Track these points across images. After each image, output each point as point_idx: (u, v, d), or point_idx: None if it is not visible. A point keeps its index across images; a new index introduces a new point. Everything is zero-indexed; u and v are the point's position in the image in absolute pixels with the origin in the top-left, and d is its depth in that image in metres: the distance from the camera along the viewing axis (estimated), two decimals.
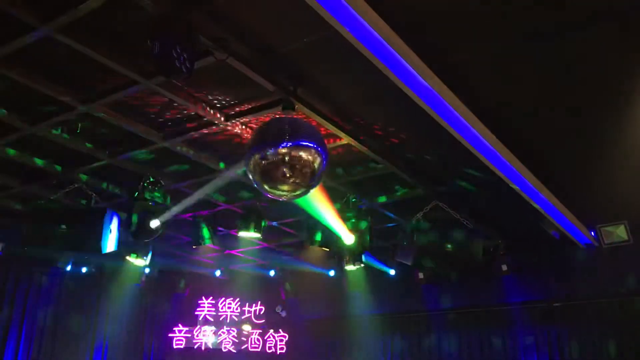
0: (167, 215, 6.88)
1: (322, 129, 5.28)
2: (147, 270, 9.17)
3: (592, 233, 7.74)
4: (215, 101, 5.11)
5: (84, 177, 6.76)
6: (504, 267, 8.25)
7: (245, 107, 5.16)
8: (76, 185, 6.82)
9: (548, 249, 8.39)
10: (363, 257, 7.85)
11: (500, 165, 5.54)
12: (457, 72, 4.29)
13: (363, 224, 7.12)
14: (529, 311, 9.10)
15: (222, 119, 5.27)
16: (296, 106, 4.69)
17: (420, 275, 8.96)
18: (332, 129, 5.28)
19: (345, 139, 5.52)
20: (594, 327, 8.58)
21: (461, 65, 4.27)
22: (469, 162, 5.49)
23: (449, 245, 7.24)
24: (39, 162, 6.32)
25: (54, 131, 5.60)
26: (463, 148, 5.18)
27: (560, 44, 4.04)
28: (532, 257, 8.64)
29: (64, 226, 6.75)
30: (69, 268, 8.57)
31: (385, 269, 9.37)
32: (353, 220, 7.06)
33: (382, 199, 7.31)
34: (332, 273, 10.14)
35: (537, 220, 7.12)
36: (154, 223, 6.80)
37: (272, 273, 10.75)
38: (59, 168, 6.49)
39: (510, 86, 4.66)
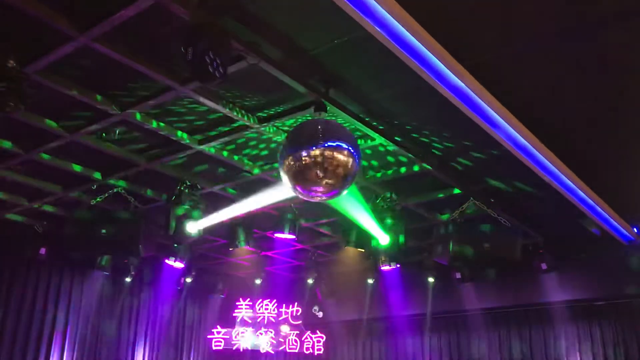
0: (208, 221, 6.94)
1: (354, 129, 5.28)
2: (185, 272, 9.30)
3: (635, 229, 7.54)
4: (248, 104, 5.16)
5: (122, 182, 6.90)
6: (544, 266, 8.06)
7: (278, 109, 5.20)
8: (115, 191, 6.97)
9: (589, 246, 8.20)
10: None
11: (539, 164, 5.44)
12: (492, 70, 4.23)
13: (398, 224, 7.06)
14: (570, 310, 8.90)
15: (255, 122, 5.32)
16: (328, 108, 4.70)
17: (458, 275, 8.85)
18: (365, 130, 5.27)
19: (378, 140, 5.50)
20: (638, 325, 8.37)
21: (495, 63, 4.21)
22: (506, 160, 5.41)
23: (487, 244, 7.12)
24: (77, 168, 6.48)
25: (92, 138, 5.73)
26: (499, 146, 5.11)
27: (596, 40, 3.95)
28: (572, 255, 8.45)
29: (104, 230, 6.90)
30: (109, 271, 8.75)
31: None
32: (388, 220, 7.01)
33: (417, 198, 7.24)
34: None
35: (577, 218, 6.96)
36: (192, 227, 6.88)
37: (307, 274, 10.76)
38: (98, 174, 6.64)
39: (547, 84, 4.57)
